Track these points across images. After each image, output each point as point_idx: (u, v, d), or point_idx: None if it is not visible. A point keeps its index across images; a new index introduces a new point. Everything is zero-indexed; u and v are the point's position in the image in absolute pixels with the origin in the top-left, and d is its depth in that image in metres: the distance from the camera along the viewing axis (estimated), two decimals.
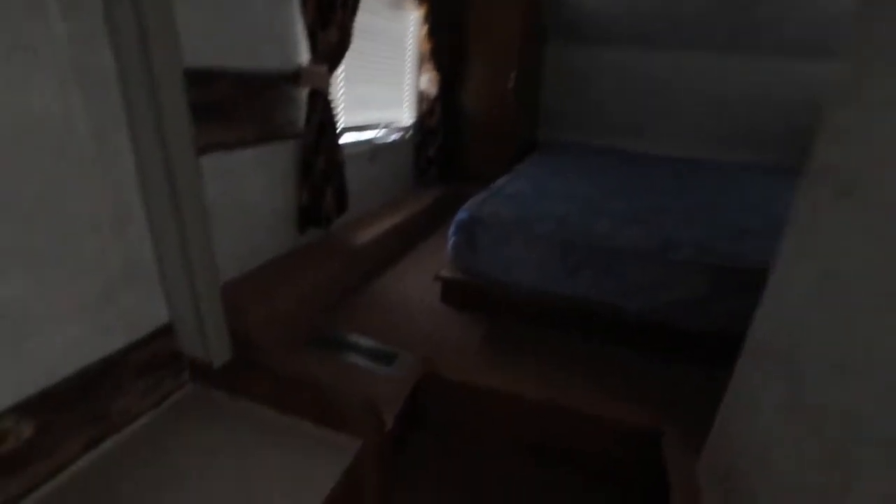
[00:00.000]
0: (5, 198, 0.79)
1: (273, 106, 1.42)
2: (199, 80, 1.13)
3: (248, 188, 1.38)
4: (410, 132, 2.53)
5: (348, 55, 1.61)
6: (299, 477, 0.97)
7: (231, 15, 1.22)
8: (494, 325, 1.58)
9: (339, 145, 1.60)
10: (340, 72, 1.76)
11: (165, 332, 1.14)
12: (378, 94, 2.20)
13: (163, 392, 1.15)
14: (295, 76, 1.48)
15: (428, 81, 2.48)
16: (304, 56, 1.52)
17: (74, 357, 0.94)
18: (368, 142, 2.08)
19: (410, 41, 2.46)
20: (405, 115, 2.55)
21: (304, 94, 1.52)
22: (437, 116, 2.54)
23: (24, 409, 0.85)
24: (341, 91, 1.82)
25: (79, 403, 0.95)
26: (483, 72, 2.63)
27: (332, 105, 1.54)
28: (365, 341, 1.39)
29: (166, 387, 1.16)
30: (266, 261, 1.50)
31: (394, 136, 2.34)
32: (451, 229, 1.57)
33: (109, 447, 1.01)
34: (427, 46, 2.38)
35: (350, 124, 1.94)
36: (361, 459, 1.08)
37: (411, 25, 2.43)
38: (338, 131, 1.59)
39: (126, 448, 1.02)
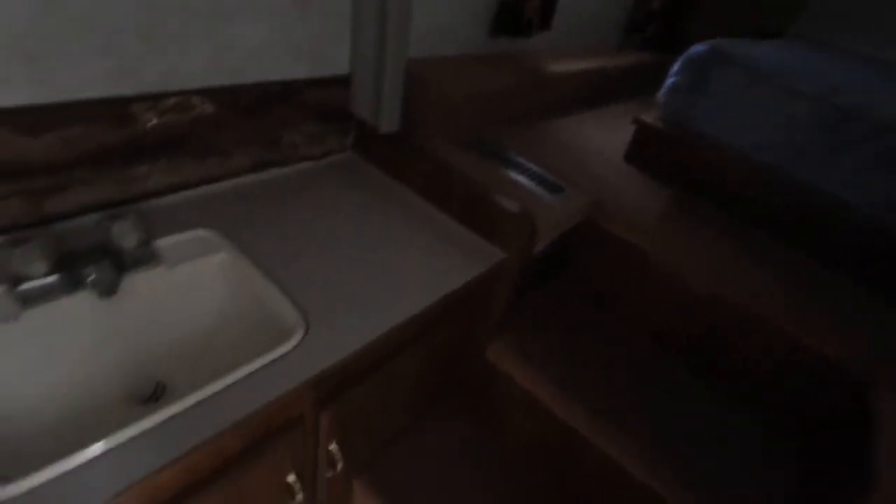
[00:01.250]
0: None
1: None
2: None
3: None
4: None
5: None
6: (431, 264, 0.91)
7: None
8: (686, 202, 1.29)
9: None
10: None
11: (343, 83, 1.09)
12: None
13: (327, 147, 1.15)
14: None
15: None
16: None
17: (261, 65, 0.93)
18: None
19: None
20: None
21: None
22: None
23: (210, 94, 0.87)
24: None
25: (256, 115, 0.96)
26: None
27: None
28: (531, 165, 1.22)
29: (330, 143, 1.15)
30: (451, 53, 1.35)
31: None
32: (675, 67, 1.23)
33: (274, 175, 1.05)
34: None
35: None
36: (498, 272, 0.98)
37: None
38: None
39: (288, 181, 1.04)
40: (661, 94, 1.30)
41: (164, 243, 0.79)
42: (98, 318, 0.70)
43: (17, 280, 0.63)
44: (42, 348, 0.66)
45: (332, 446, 0.80)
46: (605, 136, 1.58)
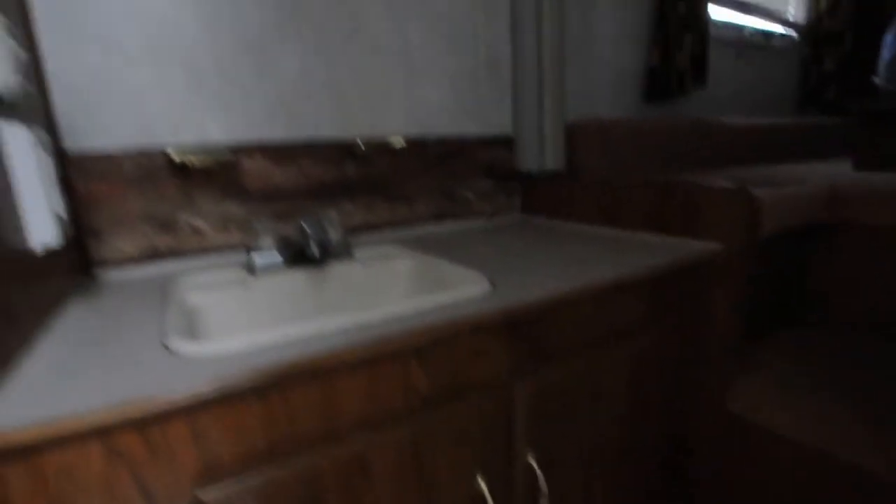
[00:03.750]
0: None
1: None
2: None
3: (599, 28, 1.38)
4: (797, 35, 2.02)
5: None
6: (620, 260, 0.84)
7: None
8: None
9: None
10: None
11: (507, 143, 1.24)
12: None
13: (496, 205, 1.25)
14: None
15: None
16: None
17: (441, 121, 1.13)
18: (737, 29, 1.77)
19: None
20: (790, 10, 2.05)
21: None
22: (842, 14, 1.94)
23: (405, 148, 1.07)
24: None
25: (436, 166, 1.13)
26: None
27: None
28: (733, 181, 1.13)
29: (499, 202, 1.26)
30: (605, 115, 1.45)
31: (776, 32, 1.92)
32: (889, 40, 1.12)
33: (450, 227, 1.17)
34: None
35: None
36: (711, 261, 0.85)
37: None
38: None
39: (463, 232, 1.14)
40: (880, 77, 1.17)
41: (358, 253, 0.91)
42: (307, 290, 0.82)
43: (250, 253, 0.81)
44: (265, 307, 0.78)
45: (531, 459, 0.67)
46: (814, 168, 1.40)
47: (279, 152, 0.94)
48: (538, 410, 0.67)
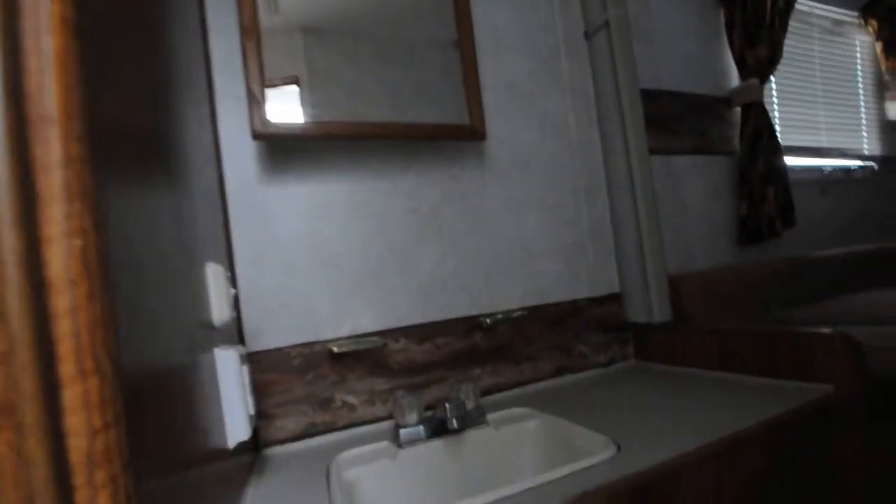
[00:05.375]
0: (530, 162, 1.23)
1: (707, 123, 1.56)
2: (648, 97, 1.43)
3: (688, 192, 1.50)
4: (876, 165, 2.07)
5: (782, 78, 1.62)
6: (738, 409, 0.84)
7: (671, 51, 1.52)
8: None
9: (776, 150, 1.53)
10: (772, 90, 1.75)
11: (616, 299, 1.31)
12: (820, 116, 1.98)
13: (610, 355, 1.28)
14: (726, 99, 1.60)
15: None
16: (733, 82, 1.64)
17: (556, 289, 1.23)
18: (818, 170, 1.85)
19: (859, 62, 2.17)
20: (864, 144, 2.13)
21: (736, 113, 1.60)
22: None
23: (524, 311, 1.17)
24: (775, 108, 1.78)
25: (554, 330, 1.21)
26: None
27: (767, 113, 1.54)
28: (836, 315, 1.12)
29: (613, 352, 1.29)
30: (706, 265, 1.50)
31: (854, 167, 1.98)
32: None
33: (569, 379, 1.20)
34: (888, 65, 2.02)
35: (789, 143, 1.82)
36: (824, 401, 0.85)
37: (857, 46, 2.16)
38: (775, 139, 1.54)
39: (582, 382, 1.18)
40: None
41: (490, 416, 0.97)
42: (447, 458, 0.88)
43: (397, 428, 0.89)
44: (412, 476, 0.85)
45: None
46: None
47: (418, 332, 1.06)
48: None
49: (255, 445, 0.92)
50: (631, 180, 1.26)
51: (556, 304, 1.22)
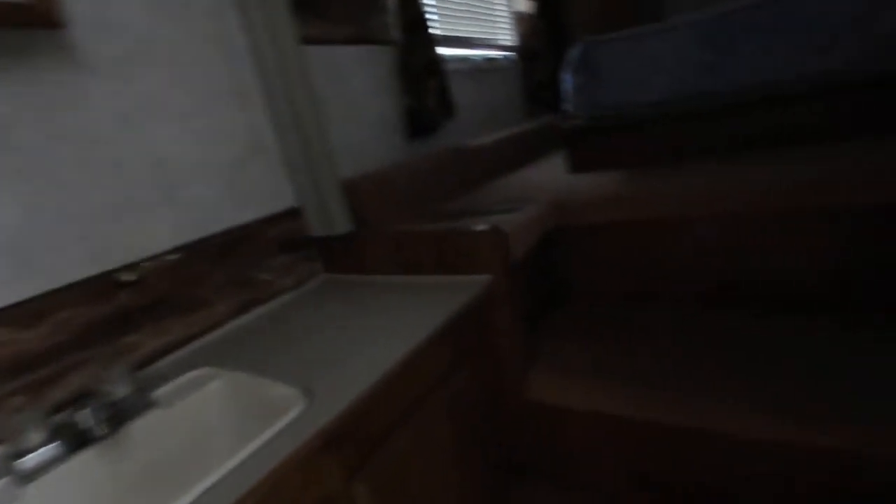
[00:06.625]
0: (148, 56, 0.95)
1: (366, 9, 1.50)
2: None
3: (354, 87, 1.46)
4: (515, 55, 2.47)
5: None
6: (421, 312, 0.95)
7: None
8: (630, 173, 1.46)
9: (432, 41, 1.63)
10: None
11: (295, 214, 1.24)
12: (469, 8, 2.19)
13: (298, 276, 1.25)
14: None
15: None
16: None
17: (218, 216, 1.07)
18: (468, 60, 2.08)
19: None
20: (505, 36, 2.49)
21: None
22: (540, 36, 2.45)
23: (180, 251, 0.99)
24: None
25: (227, 263, 1.07)
26: None
27: (418, 2, 1.58)
28: (484, 207, 1.36)
29: (301, 271, 1.26)
30: (378, 165, 1.56)
31: (498, 56, 2.31)
32: (568, 69, 1.49)
33: (257, 314, 1.13)
34: None
35: (444, 33, 1.96)
36: (488, 291, 1.04)
37: None
38: (430, 30, 1.61)
39: (272, 314, 1.12)
40: (568, 103, 1.53)
41: (161, 391, 0.83)
42: (106, 471, 0.71)
43: (15, 455, 0.66)
44: None
45: None
46: (546, 170, 1.81)
47: (23, 313, 0.78)
48: (381, 493, 0.74)
49: None
50: (286, 77, 1.12)
51: (224, 234, 1.08)
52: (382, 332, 0.89)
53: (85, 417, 0.69)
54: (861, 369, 0.93)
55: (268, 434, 0.63)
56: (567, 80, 1.51)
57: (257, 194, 1.17)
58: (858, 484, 0.80)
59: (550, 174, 1.73)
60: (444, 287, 1.05)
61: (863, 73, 1.12)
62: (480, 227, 1.05)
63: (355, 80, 1.48)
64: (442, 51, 1.77)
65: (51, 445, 0.68)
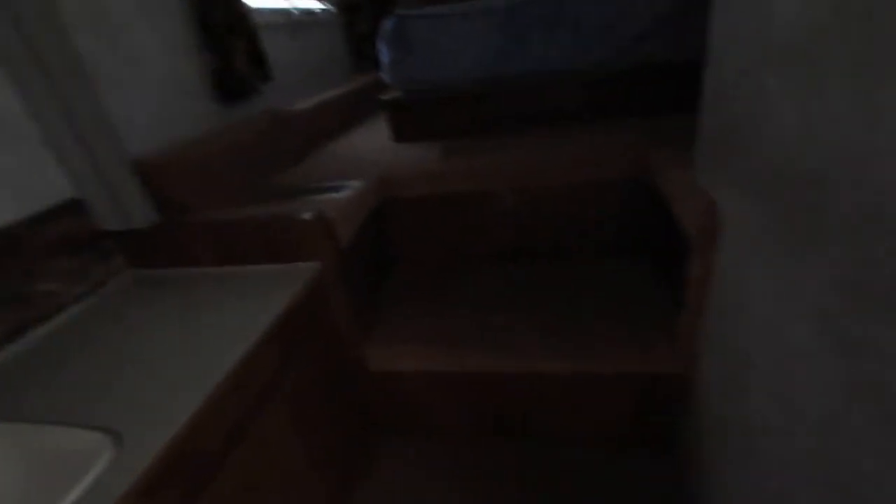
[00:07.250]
0: None
1: None
2: None
3: (137, 44, 1.23)
4: (334, 7, 2.33)
5: None
6: (248, 312, 0.91)
7: None
8: (446, 145, 1.55)
9: None
10: None
11: (74, 207, 1.04)
12: None
13: (93, 279, 1.07)
14: None
15: None
16: None
17: None
18: (285, 13, 1.90)
19: None
20: None
21: None
22: None
23: None
24: None
25: None
26: None
27: None
28: (311, 184, 1.33)
29: (96, 273, 1.08)
30: (186, 135, 1.38)
31: (316, 9, 2.15)
32: (382, 41, 1.48)
33: (38, 335, 0.94)
34: None
35: None
36: (319, 279, 1.03)
37: None
38: None
39: (60, 334, 0.94)
40: (385, 74, 1.54)
41: None
42: None
43: None
44: None
45: None
46: (371, 137, 1.81)
47: None
48: None
49: None
50: (32, 31, 0.89)
51: None
52: (205, 338, 0.82)
53: None
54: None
55: (70, 497, 0.54)
56: (383, 53, 1.49)
57: (14, 187, 0.94)
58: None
59: (376, 142, 1.72)
60: (273, 276, 1.01)
61: (610, 69, 1.40)
62: (305, 214, 1.01)
63: (137, 34, 1.24)
64: (250, 1, 1.58)
65: None
